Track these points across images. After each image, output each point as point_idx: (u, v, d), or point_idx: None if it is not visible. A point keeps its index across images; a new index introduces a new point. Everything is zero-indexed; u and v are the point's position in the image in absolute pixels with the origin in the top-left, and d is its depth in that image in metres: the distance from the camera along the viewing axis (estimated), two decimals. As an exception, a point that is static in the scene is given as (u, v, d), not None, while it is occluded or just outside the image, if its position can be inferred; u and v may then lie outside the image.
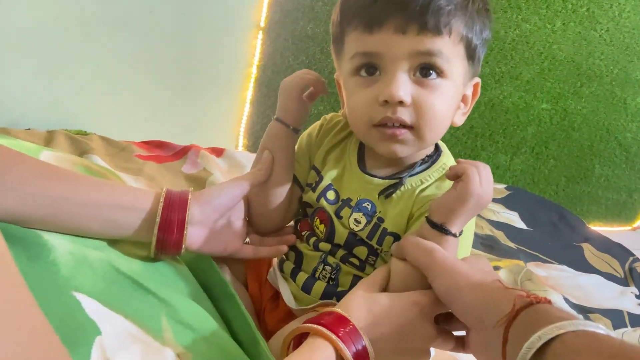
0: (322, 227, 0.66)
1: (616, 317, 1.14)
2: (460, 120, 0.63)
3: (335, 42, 0.62)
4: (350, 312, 0.46)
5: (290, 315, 0.67)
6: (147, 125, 1.50)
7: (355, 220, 0.63)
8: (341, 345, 0.43)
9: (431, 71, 0.56)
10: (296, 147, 0.70)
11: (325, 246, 0.65)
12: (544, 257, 1.39)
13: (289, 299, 0.66)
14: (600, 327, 0.37)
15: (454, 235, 0.54)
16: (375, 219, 0.63)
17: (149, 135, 1.39)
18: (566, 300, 1.16)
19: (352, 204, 0.64)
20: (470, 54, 0.59)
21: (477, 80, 0.63)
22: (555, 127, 1.87)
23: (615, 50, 1.80)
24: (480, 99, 1.80)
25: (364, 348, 0.44)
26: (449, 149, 0.67)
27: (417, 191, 0.61)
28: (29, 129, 1.26)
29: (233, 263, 0.70)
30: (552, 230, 1.60)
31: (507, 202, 1.67)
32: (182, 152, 1.34)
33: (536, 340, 0.37)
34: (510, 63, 1.78)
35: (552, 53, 1.79)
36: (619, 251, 1.51)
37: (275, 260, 0.72)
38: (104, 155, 1.20)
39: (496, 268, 1.22)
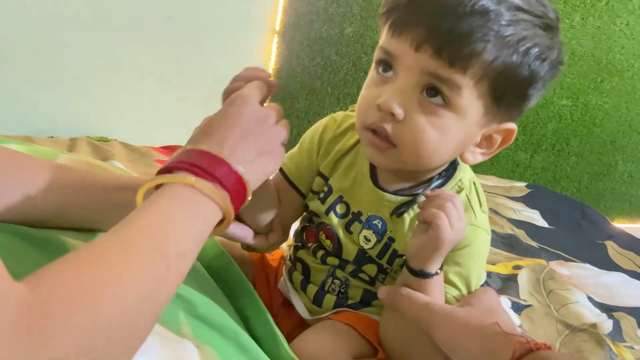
0: (328, 242, 0.63)
1: (642, 315, 1.11)
2: (474, 159, 0.56)
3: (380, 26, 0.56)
4: None
5: (305, 321, 0.66)
6: (166, 131, 1.52)
7: (365, 237, 0.61)
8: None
9: (438, 95, 0.50)
10: (295, 149, 0.65)
11: (333, 260, 0.63)
12: (566, 256, 1.36)
13: (302, 311, 0.65)
14: None
15: (436, 275, 0.53)
16: (385, 239, 0.60)
17: (168, 141, 1.42)
18: (590, 299, 1.14)
19: (363, 219, 0.60)
20: (498, 96, 0.51)
21: (512, 126, 0.55)
22: (576, 123, 1.84)
23: (636, 44, 1.77)
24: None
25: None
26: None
27: None
28: (52, 136, 1.29)
29: (241, 267, 0.68)
30: (575, 228, 1.57)
31: (527, 200, 1.64)
32: (200, 156, 1.35)
33: None
34: (528, 60, 1.76)
35: (572, 48, 1.77)
36: (644, 248, 1.47)
37: (284, 269, 0.70)
38: (125, 161, 1.22)
39: (518, 267, 1.20)
